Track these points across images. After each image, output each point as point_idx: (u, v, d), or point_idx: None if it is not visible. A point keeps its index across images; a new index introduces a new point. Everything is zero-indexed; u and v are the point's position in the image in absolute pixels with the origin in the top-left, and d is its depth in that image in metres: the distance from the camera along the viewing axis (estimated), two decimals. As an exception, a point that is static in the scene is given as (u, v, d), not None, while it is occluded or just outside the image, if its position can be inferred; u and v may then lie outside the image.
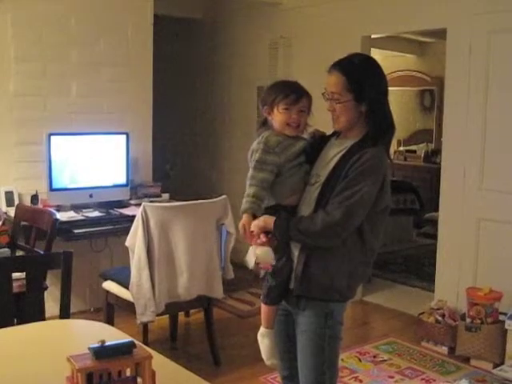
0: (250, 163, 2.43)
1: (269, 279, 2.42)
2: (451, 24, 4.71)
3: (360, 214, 2.27)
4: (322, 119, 2.44)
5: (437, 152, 8.47)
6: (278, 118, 2.41)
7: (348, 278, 2.35)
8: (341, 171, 2.28)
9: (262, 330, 2.51)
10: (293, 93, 2.39)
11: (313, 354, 2.41)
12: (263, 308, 2.50)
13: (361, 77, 2.32)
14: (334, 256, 2.32)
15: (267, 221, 2.34)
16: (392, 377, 4.01)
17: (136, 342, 1.72)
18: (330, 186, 2.29)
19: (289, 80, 2.53)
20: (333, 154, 2.38)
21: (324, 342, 2.39)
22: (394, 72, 9.05)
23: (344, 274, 2.34)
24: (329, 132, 2.52)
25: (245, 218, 2.36)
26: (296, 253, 2.36)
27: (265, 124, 2.48)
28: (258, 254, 2.33)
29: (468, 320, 4.21)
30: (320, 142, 2.49)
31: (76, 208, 4.72)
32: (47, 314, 2.89)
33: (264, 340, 2.50)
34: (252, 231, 2.35)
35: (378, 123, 2.34)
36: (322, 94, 2.38)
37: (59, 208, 4.62)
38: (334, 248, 2.31)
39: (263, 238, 2.34)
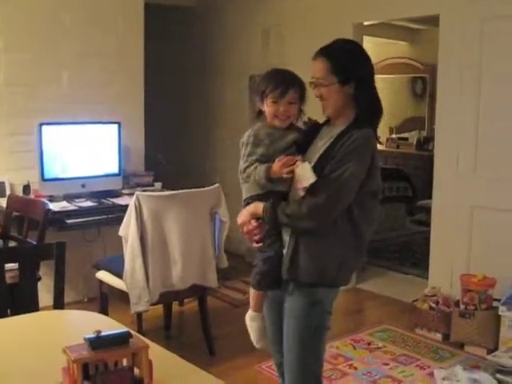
0: (241, 152, 2.43)
1: (260, 265, 2.43)
2: (444, 10, 4.69)
3: (346, 195, 2.27)
4: (316, 108, 2.43)
5: (429, 139, 8.47)
6: (267, 110, 2.42)
7: (338, 263, 2.34)
8: (328, 156, 2.29)
9: (250, 313, 2.53)
10: (280, 85, 2.37)
11: (297, 341, 2.40)
12: (252, 292, 2.52)
13: (344, 59, 2.33)
14: (323, 241, 2.32)
15: (257, 206, 2.37)
16: (387, 364, 4.02)
17: (132, 332, 1.71)
18: (317, 171, 2.27)
19: (280, 70, 2.50)
20: (322, 142, 2.39)
21: (310, 329, 2.39)
22: (386, 59, 9.03)
23: (334, 259, 2.33)
24: (322, 120, 2.51)
25: (252, 206, 2.39)
26: (287, 238, 2.37)
27: (260, 114, 2.47)
28: (297, 171, 2.26)
29: (462, 306, 4.22)
30: (313, 130, 2.48)
31: (68, 198, 4.70)
32: (41, 305, 2.87)
33: (253, 323, 2.51)
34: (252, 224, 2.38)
35: (365, 105, 2.35)
36: (309, 82, 2.39)
37: (51, 198, 4.60)
38: (323, 232, 2.31)
39: (254, 223, 2.38)
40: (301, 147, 2.43)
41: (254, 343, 2.54)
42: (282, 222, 2.33)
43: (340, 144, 2.27)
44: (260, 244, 2.41)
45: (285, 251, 2.37)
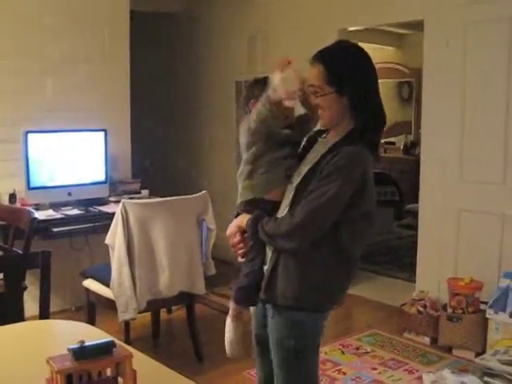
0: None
1: (241, 279, 2.34)
2: (428, 15, 4.72)
3: (325, 217, 2.12)
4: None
5: (416, 144, 8.51)
6: None
7: (317, 287, 2.19)
8: (315, 172, 2.14)
9: (228, 320, 2.39)
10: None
11: (280, 365, 2.28)
12: (231, 304, 2.40)
13: (341, 67, 2.15)
14: (303, 261, 2.17)
15: (243, 219, 2.28)
16: (375, 368, 4.02)
17: (116, 340, 1.70)
18: (303, 187, 2.16)
19: (263, 76, 2.50)
20: (316, 153, 2.23)
21: (288, 353, 2.24)
22: (373, 64, 9.04)
23: (310, 283, 2.18)
24: None
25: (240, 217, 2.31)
26: (270, 254, 2.25)
27: None
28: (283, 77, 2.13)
29: (449, 310, 4.23)
30: (318, 135, 2.35)
31: (55, 206, 4.67)
32: (27, 314, 2.86)
33: (230, 330, 2.39)
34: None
35: (364, 119, 2.17)
36: (308, 86, 2.24)
37: (38, 207, 4.57)
38: (305, 254, 2.16)
39: (238, 237, 2.30)
40: (297, 146, 2.34)
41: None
42: (262, 240, 2.22)
43: (326, 161, 2.12)
44: (243, 259, 2.32)
45: (266, 268, 2.25)
